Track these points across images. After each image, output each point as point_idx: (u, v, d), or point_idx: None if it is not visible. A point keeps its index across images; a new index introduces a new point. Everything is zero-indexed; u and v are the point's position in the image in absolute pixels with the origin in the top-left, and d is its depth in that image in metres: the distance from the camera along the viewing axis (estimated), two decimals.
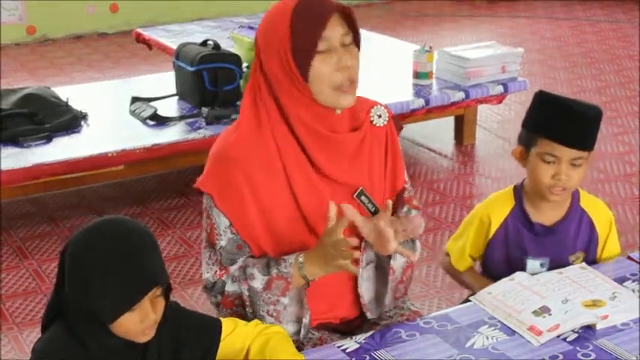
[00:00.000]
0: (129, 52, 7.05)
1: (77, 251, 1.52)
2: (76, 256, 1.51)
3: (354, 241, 1.77)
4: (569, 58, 6.58)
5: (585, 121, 2.08)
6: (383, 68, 4.76)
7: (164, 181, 4.43)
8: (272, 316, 1.85)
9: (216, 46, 4.19)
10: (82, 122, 3.99)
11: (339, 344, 1.83)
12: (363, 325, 2.02)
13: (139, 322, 1.53)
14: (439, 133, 5.02)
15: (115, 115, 4.15)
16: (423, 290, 3.34)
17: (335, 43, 1.80)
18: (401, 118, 3.97)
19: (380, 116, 1.95)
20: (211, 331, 1.69)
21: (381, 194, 1.95)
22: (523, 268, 2.14)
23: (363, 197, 1.91)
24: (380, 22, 7.75)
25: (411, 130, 4.67)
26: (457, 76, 4.40)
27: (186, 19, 6.82)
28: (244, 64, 4.10)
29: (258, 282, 1.84)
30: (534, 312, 1.90)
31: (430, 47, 4.44)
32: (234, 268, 1.87)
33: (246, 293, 1.86)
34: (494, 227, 2.21)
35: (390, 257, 1.93)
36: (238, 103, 1.89)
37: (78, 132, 3.91)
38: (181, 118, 4.01)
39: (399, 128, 2.03)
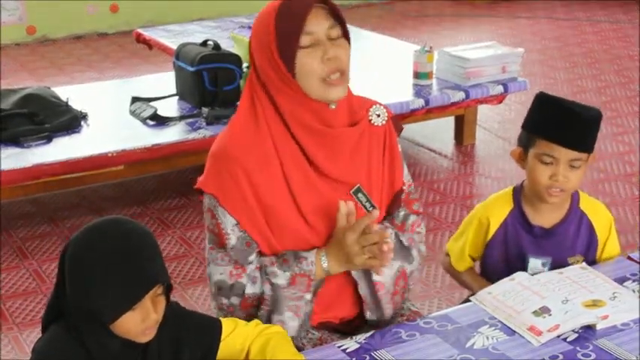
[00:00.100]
0: (129, 53, 7.04)
1: (77, 251, 1.52)
2: (76, 256, 1.51)
3: (374, 238, 1.79)
4: (570, 59, 6.58)
5: (584, 123, 2.08)
6: (383, 68, 4.76)
7: (164, 181, 4.43)
8: (292, 310, 1.86)
9: (217, 46, 4.20)
10: (82, 122, 3.99)
11: (339, 344, 1.83)
12: (363, 325, 2.01)
13: (140, 322, 1.53)
14: (439, 133, 5.02)
15: (115, 115, 4.15)
16: (423, 290, 3.34)
17: (321, 37, 1.80)
18: (401, 118, 3.97)
19: (379, 115, 1.95)
20: (211, 331, 1.69)
21: (379, 193, 1.95)
22: (522, 269, 2.14)
23: (359, 195, 1.91)
24: (380, 22, 7.75)
25: (411, 130, 4.66)
26: (457, 76, 4.40)
27: (186, 19, 6.83)
28: (244, 64, 4.10)
29: (282, 279, 1.85)
30: (534, 312, 1.90)
31: (430, 47, 4.44)
32: (251, 269, 1.87)
33: (269, 292, 1.86)
34: (493, 228, 2.21)
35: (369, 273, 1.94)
36: (238, 103, 1.89)
37: (78, 132, 3.91)
38: (181, 118, 4.01)
39: (399, 130, 2.03)
